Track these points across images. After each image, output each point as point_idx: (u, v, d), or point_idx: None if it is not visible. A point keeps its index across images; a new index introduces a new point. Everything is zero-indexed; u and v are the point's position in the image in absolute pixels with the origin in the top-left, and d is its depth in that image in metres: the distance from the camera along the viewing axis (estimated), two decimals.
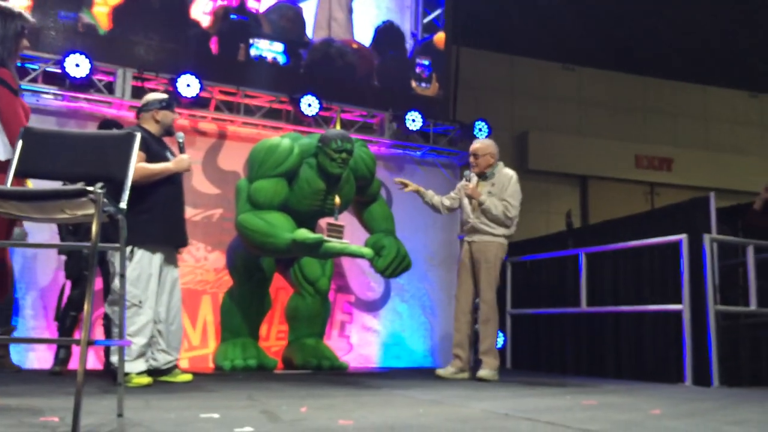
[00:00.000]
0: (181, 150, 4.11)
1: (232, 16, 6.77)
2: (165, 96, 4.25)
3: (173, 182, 4.08)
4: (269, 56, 6.85)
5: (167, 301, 4.08)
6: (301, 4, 7.24)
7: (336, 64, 7.17)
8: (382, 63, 7.49)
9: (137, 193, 3.68)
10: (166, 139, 4.26)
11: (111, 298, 3.92)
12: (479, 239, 4.93)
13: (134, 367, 3.82)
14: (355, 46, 7.40)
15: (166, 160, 4.06)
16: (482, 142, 5.17)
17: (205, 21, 6.73)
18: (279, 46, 6.88)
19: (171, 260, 4.12)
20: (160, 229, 3.97)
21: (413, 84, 7.51)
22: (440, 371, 4.97)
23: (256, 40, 6.79)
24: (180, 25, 6.56)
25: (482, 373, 4.75)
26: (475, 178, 5.05)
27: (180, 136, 4.16)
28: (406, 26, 7.73)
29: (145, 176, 3.86)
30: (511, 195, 4.92)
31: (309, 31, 7.26)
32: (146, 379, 3.80)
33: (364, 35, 7.53)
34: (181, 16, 6.61)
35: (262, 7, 7.03)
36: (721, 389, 4.46)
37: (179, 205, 4.16)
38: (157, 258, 3.98)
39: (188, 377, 4.18)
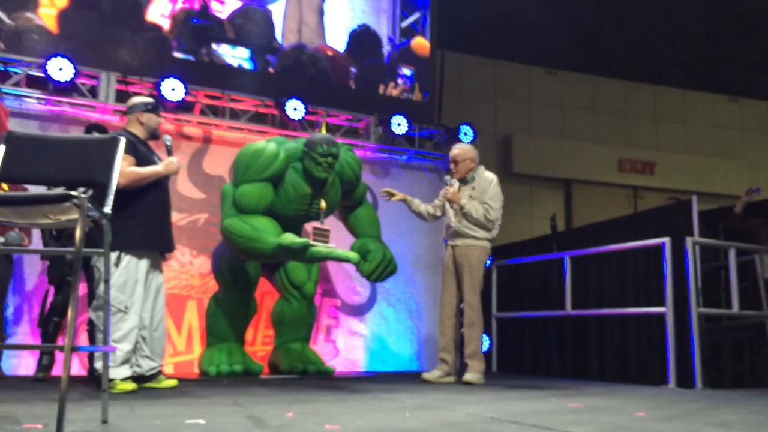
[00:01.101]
0: (169, 153, 4.09)
1: (193, 21, 6.61)
2: (150, 99, 4.23)
3: (160, 187, 4.06)
4: (234, 63, 6.71)
5: (151, 307, 4.04)
6: (270, 6, 7.06)
7: (308, 71, 7.04)
8: (360, 70, 7.37)
9: (125, 197, 3.72)
10: (153, 144, 4.24)
11: (96, 304, 3.88)
12: (462, 243, 4.95)
13: (119, 373, 3.78)
14: (329, 53, 7.27)
15: (154, 164, 4.03)
16: (461, 148, 5.17)
17: (165, 24, 6.53)
18: (244, 52, 6.71)
19: (156, 266, 4.09)
20: (148, 235, 3.94)
21: (394, 93, 7.48)
22: (426, 375, 4.98)
23: (218, 45, 6.64)
24: (134, 29, 6.33)
25: (468, 376, 4.76)
26: (456, 183, 5.07)
27: (167, 138, 4.14)
28: (383, 30, 7.64)
29: (135, 180, 3.84)
30: (492, 198, 4.94)
31: (278, 35, 7.05)
32: (131, 385, 3.77)
33: (337, 39, 7.37)
34: (134, 19, 6.38)
35: (226, 12, 6.83)
36: (704, 391, 4.50)
37: (166, 210, 4.14)
38: (144, 263, 3.95)
39: (173, 383, 4.15)
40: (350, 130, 7.00)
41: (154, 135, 4.16)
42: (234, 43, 6.70)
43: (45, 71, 5.48)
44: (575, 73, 11.73)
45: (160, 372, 4.14)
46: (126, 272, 3.86)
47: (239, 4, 6.90)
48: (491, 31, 10.21)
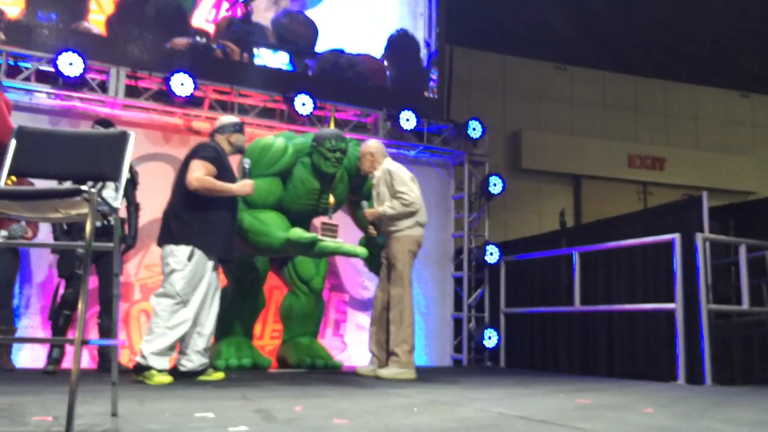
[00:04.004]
0: (245, 175, 4.33)
1: (236, 27, 6.70)
2: (237, 120, 4.50)
3: (233, 202, 4.31)
4: (274, 66, 6.80)
5: (209, 307, 4.20)
6: (308, 12, 7.14)
7: (346, 74, 7.12)
8: (396, 74, 7.41)
9: (205, 201, 4.05)
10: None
11: (163, 291, 4.02)
12: (391, 240, 4.86)
13: (159, 363, 3.90)
14: (366, 57, 7.33)
15: (234, 179, 4.28)
16: (365, 143, 5.08)
17: (210, 30, 6.67)
18: (284, 57, 6.82)
19: (216, 270, 4.27)
20: (217, 240, 4.14)
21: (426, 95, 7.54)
22: (359, 369, 4.97)
23: (259, 49, 6.73)
24: (180, 34, 6.48)
25: (381, 371, 4.67)
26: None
27: (246, 161, 4.42)
28: (420, 34, 7.65)
29: (208, 189, 4.06)
30: (399, 184, 4.80)
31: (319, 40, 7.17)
32: (167, 378, 3.87)
33: (377, 43, 7.40)
34: (179, 24, 6.50)
35: (268, 17, 6.94)
36: (714, 387, 4.48)
37: (234, 223, 4.36)
38: (210, 264, 4.13)
39: (221, 375, 4.32)
40: (359, 125, 6.99)
41: (241, 150, 4.47)
42: (275, 47, 6.78)
43: (55, 66, 5.49)
44: (585, 68, 11.67)
45: (209, 365, 4.31)
46: (195, 267, 4.03)
47: (281, 10, 6.99)
48: (500, 26, 10.17)
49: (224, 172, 4.19)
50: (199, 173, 4.04)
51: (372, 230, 4.98)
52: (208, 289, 4.15)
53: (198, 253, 4.05)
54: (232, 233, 4.34)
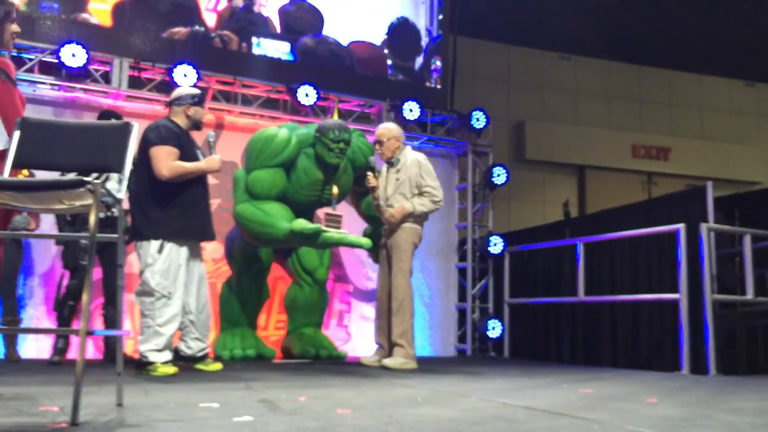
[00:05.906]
0: (211, 149, 4.15)
1: (237, 18, 6.70)
2: (197, 91, 4.29)
3: (199, 180, 4.14)
4: (275, 56, 6.80)
5: (196, 292, 4.16)
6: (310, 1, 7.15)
7: (346, 63, 7.10)
8: (397, 63, 7.39)
9: (166, 189, 3.91)
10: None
11: (140, 290, 3.99)
12: (397, 230, 4.85)
13: (161, 357, 3.89)
14: (366, 45, 7.31)
15: (195, 155, 4.11)
16: (385, 127, 5.06)
17: (210, 19, 6.65)
18: (286, 46, 6.80)
19: (196, 254, 4.19)
20: (188, 225, 4.03)
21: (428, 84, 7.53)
22: (364, 359, 4.97)
23: (260, 39, 6.70)
24: (187, 23, 6.47)
25: (386, 360, 4.68)
26: (385, 168, 5.00)
27: (211, 135, 4.22)
28: (421, 22, 7.61)
29: (179, 174, 3.94)
30: (430, 178, 4.82)
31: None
32: (172, 369, 3.86)
33: (377, 31, 7.36)
34: (190, 14, 6.48)
35: (270, 6, 6.92)
36: (718, 378, 4.48)
37: (205, 201, 4.21)
38: (184, 251, 4.05)
39: (219, 366, 4.27)
40: (362, 115, 6.98)
41: (198, 126, 4.24)
42: (277, 37, 6.77)
43: (58, 57, 5.49)
44: (589, 58, 11.62)
45: (207, 354, 4.27)
46: (168, 259, 3.96)
47: (286, 1, 6.98)
48: (504, 16, 10.11)
49: (183, 150, 4.02)
50: (167, 161, 3.89)
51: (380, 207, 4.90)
52: (190, 276, 4.09)
53: (168, 244, 3.96)
54: (203, 213, 4.16)
